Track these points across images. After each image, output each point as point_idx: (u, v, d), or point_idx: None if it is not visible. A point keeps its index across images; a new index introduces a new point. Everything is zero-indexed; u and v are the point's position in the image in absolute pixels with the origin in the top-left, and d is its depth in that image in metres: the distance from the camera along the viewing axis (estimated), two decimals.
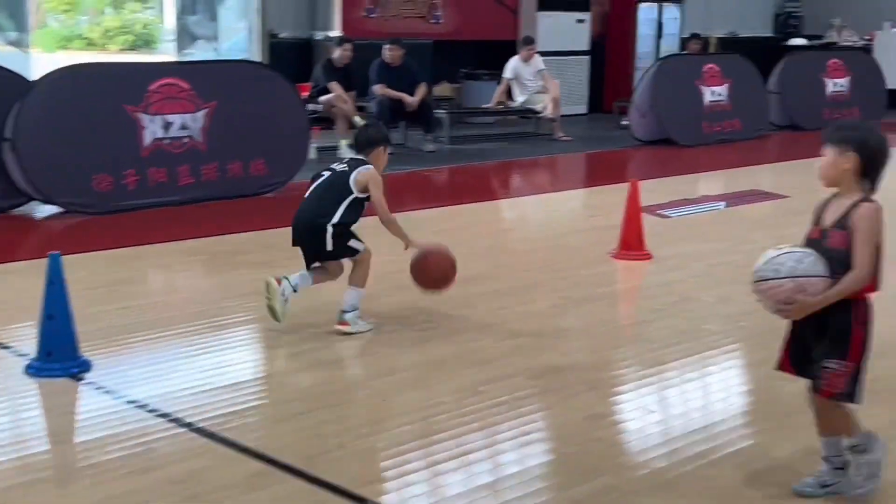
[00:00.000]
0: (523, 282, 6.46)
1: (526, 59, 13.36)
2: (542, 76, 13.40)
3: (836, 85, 15.55)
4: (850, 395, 3.46)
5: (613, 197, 9.71)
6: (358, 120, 11.49)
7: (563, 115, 13.61)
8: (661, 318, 5.82)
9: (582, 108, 16.09)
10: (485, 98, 14.04)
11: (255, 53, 13.10)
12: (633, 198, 7.07)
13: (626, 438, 4.29)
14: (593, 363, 5.08)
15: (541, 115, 13.39)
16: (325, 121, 11.68)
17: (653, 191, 8.86)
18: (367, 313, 5.41)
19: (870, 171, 3.46)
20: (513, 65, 13.39)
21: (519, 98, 13.50)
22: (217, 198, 8.85)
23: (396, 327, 5.45)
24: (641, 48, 16.69)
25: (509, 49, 14.42)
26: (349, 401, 4.59)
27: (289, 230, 5.43)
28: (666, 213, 8.61)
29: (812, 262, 3.41)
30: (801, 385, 3.66)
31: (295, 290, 5.27)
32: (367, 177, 5.25)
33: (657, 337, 5.47)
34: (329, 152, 11.26)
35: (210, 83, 9.11)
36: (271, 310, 5.25)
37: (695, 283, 6.55)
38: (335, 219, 5.20)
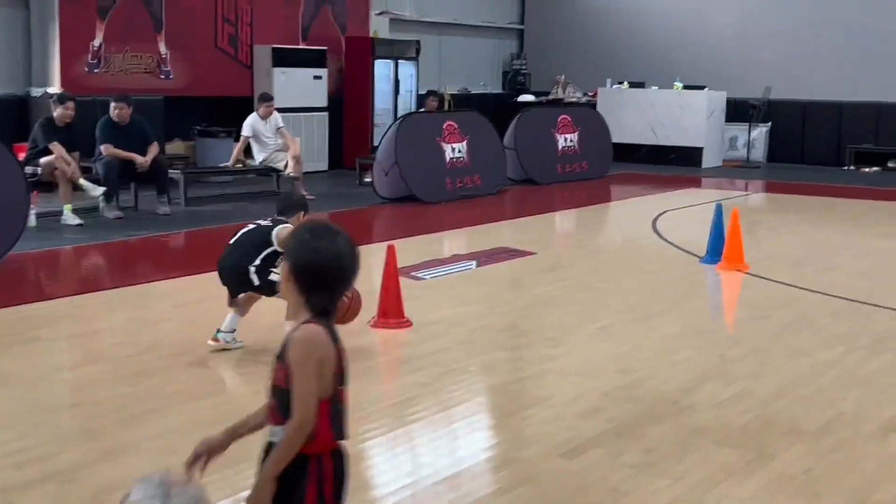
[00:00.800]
0: None
1: (264, 116, 12.89)
2: (281, 133, 12.97)
3: (566, 140, 16.09)
4: None
5: (367, 259, 9.40)
6: (85, 184, 10.60)
7: (304, 172, 13.21)
8: (432, 392, 5.50)
9: (323, 165, 15.79)
10: (221, 156, 13.43)
11: None
12: (390, 263, 6.76)
13: None
14: (353, 455, 4.66)
15: (282, 173, 12.94)
16: (46, 185, 10.70)
17: (403, 251, 8.54)
18: None
19: (310, 286, 2.67)
20: (251, 122, 12.87)
21: (258, 156, 12.98)
22: None
23: None
24: (379, 104, 16.63)
25: (246, 105, 13.93)
26: None
27: None
28: (419, 276, 8.38)
29: None
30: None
31: (234, 332, 6.03)
32: (287, 232, 5.67)
33: (427, 415, 5.13)
34: (52, 218, 10.31)
35: None
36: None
37: (459, 351, 6.29)
38: (256, 262, 5.84)
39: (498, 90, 21.10)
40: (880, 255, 9.96)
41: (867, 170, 18.35)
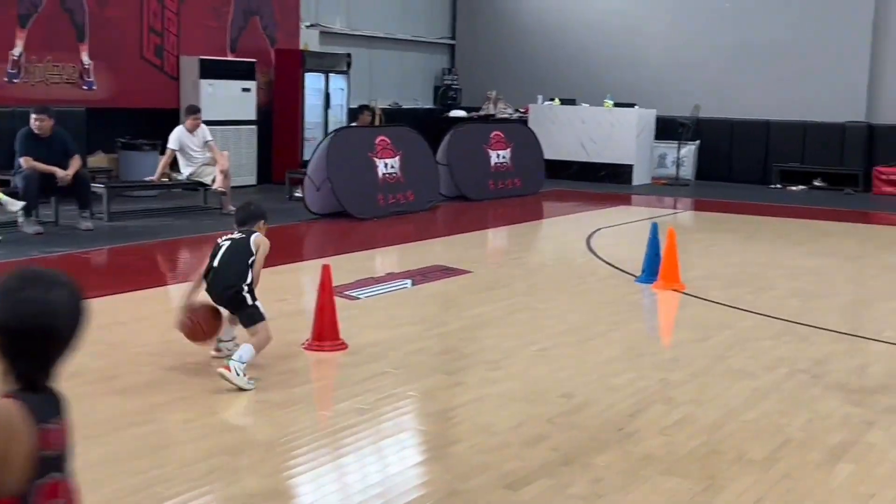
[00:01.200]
0: (216, 385, 5.69)
1: (191, 129, 12.56)
2: (209, 147, 12.65)
3: (499, 156, 16.01)
4: None
5: (300, 277, 9.21)
6: (3, 198, 10.19)
7: (232, 187, 12.90)
8: (369, 420, 5.29)
9: (251, 180, 15.47)
10: (146, 170, 13.07)
11: None
12: (325, 284, 6.53)
13: None
14: (284, 490, 4.43)
15: (209, 188, 12.62)
16: None
17: (337, 268, 8.34)
18: None
19: (12, 349, 2.12)
20: (177, 135, 12.53)
21: (185, 170, 12.64)
22: None
23: None
24: (309, 118, 16.38)
25: (172, 118, 13.59)
26: None
27: None
28: (354, 294, 8.16)
29: None
30: None
31: (234, 339, 6.07)
32: (261, 240, 5.96)
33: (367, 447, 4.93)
34: None
35: None
36: (240, 388, 5.53)
37: (397, 375, 6.09)
38: (248, 279, 5.82)
39: (429, 105, 20.97)
40: (811, 274, 10.01)
41: (794, 188, 18.60)
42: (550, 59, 21.02)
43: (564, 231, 13.21)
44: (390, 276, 9.20)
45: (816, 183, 18.68)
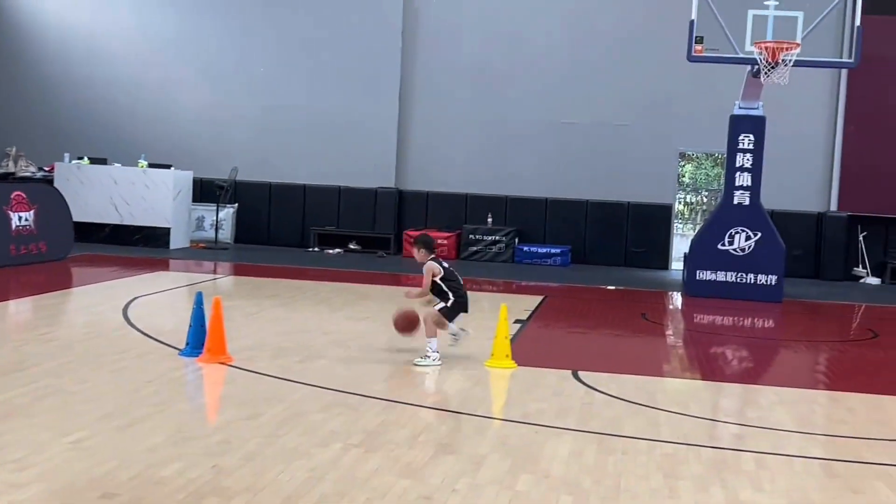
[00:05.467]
0: None
1: None
2: None
3: (21, 219, 14.62)
4: None
5: None
6: None
7: None
8: None
9: None
10: None
11: None
12: None
13: None
14: None
15: None
16: None
17: None
18: None
19: None
20: None
21: None
22: None
23: None
24: None
25: None
26: None
27: None
28: None
29: None
30: None
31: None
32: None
33: None
34: None
35: None
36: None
37: None
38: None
39: None
40: (356, 339, 10.07)
41: (331, 251, 19.01)
42: (78, 116, 19.85)
43: (98, 301, 12.22)
44: None
45: (352, 246, 19.27)
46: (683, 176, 23.71)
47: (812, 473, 6.21)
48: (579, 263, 19.48)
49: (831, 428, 7.65)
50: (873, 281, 18.94)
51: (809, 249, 19.26)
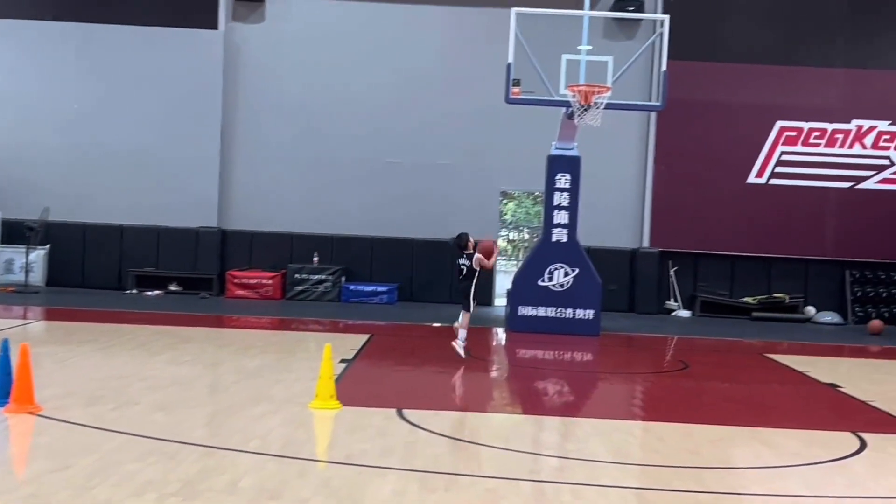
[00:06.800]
0: None
1: None
2: None
3: None
4: None
5: None
6: None
7: None
8: None
9: None
10: None
11: None
12: None
13: None
14: None
15: None
16: None
17: None
18: None
19: None
20: None
21: None
22: None
23: None
24: None
25: None
26: None
27: None
28: None
29: None
30: None
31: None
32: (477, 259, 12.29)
33: None
34: None
35: None
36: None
37: None
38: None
39: None
40: (175, 384, 9.80)
41: (150, 293, 18.47)
42: None
43: None
44: None
45: (172, 287, 18.78)
46: (506, 214, 24.27)
47: (627, 503, 6.41)
48: (406, 301, 19.59)
49: (644, 457, 7.94)
50: (684, 313, 19.83)
51: (624, 284, 20.00)
